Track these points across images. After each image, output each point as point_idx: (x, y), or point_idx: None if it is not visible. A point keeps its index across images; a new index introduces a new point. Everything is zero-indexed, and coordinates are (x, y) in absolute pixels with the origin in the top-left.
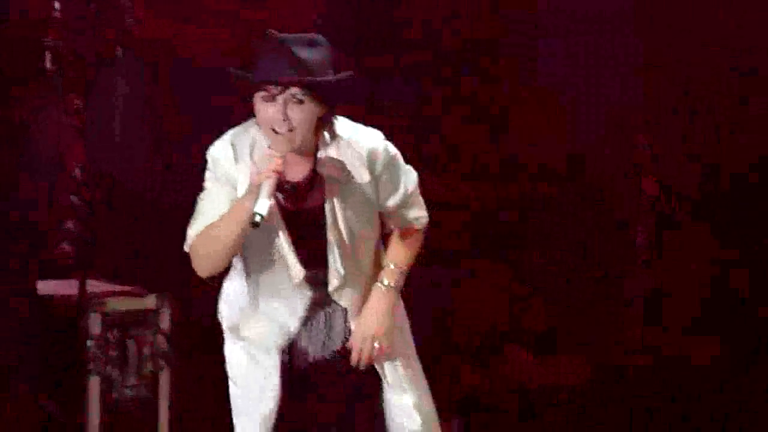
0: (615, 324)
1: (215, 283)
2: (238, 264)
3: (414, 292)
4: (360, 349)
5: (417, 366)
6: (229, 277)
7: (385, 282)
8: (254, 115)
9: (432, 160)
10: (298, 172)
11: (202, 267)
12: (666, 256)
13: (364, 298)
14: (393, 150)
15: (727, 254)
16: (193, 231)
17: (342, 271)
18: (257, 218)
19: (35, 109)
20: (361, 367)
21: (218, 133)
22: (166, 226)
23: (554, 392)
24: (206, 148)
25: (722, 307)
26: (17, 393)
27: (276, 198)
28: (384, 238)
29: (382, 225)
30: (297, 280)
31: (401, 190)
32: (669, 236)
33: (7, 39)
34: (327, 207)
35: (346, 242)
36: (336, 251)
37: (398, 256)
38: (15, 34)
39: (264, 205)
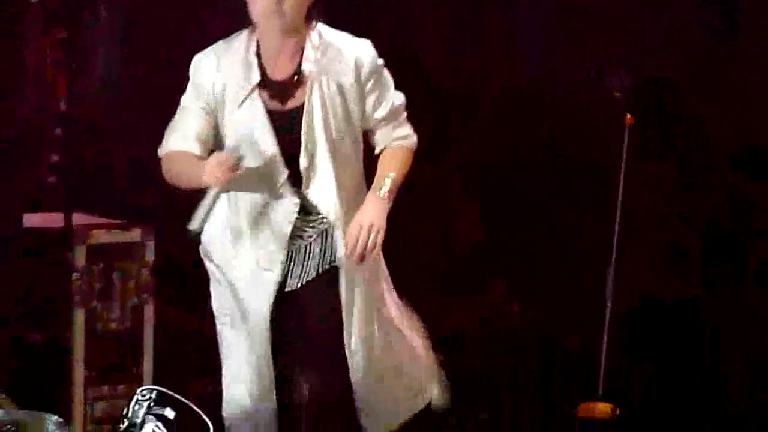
0: None
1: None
2: (223, 203)
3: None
4: (357, 238)
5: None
6: (209, 221)
7: (382, 189)
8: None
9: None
10: (284, 70)
11: (170, 182)
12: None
13: (347, 215)
14: (380, 61)
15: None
16: (166, 144)
17: (327, 162)
18: (191, 228)
19: (21, 42)
20: (355, 258)
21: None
22: (151, 159)
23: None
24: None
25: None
26: (5, 323)
27: (261, 98)
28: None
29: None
30: (282, 179)
31: (388, 102)
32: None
33: None
34: (306, 106)
35: (328, 141)
36: (315, 139)
37: (392, 167)
38: None
39: (197, 221)
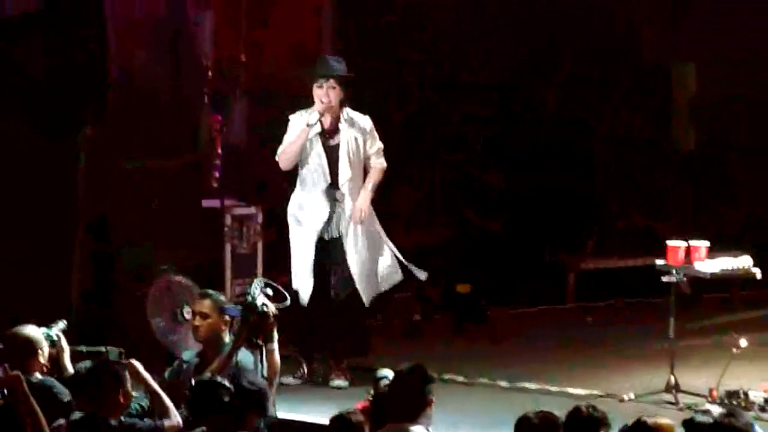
0: None
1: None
2: (297, 186)
3: None
4: (358, 213)
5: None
6: (292, 195)
7: (367, 188)
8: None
9: None
10: (331, 126)
11: (283, 164)
12: None
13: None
14: (373, 125)
15: None
16: (279, 149)
17: (349, 173)
18: (311, 121)
19: (201, 123)
20: (355, 221)
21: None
22: (261, 172)
23: None
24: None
25: None
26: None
27: (320, 138)
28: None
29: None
30: (326, 182)
31: (377, 145)
32: None
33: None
34: (342, 143)
35: (350, 163)
36: (344, 162)
37: (372, 178)
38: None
39: (314, 118)
